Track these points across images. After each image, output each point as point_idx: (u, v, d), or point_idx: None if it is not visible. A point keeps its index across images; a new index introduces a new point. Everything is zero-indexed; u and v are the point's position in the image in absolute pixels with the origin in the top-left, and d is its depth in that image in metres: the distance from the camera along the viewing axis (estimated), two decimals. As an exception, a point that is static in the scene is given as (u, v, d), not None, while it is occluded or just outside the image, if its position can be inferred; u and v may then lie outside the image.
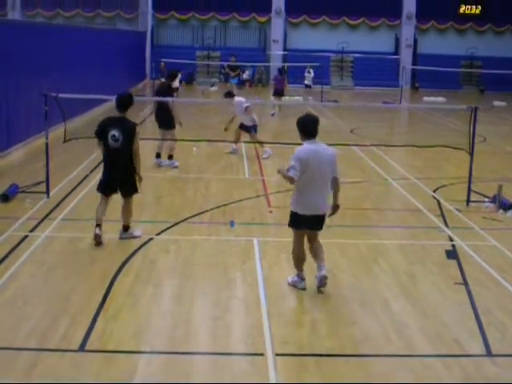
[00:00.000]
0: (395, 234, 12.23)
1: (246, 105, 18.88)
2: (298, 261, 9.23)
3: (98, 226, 10.74)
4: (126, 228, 11.13)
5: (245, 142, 19.32)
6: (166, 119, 16.70)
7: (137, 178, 10.82)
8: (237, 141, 18.91)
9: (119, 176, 10.83)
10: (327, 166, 8.81)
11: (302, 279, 9.22)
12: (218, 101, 29.80)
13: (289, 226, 9.21)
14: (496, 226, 12.72)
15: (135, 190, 11.06)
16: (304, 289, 9.14)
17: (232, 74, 44.50)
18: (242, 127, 18.97)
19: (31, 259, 10.02)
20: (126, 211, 11.09)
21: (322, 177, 8.80)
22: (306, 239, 9.25)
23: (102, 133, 10.71)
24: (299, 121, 8.95)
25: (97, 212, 10.89)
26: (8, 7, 46.94)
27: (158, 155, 17.02)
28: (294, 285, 9.22)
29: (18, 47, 18.75)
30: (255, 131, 18.93)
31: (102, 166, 11.16)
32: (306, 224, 9.03)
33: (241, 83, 44.28)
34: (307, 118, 8.98)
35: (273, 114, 28.96)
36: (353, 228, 12.31)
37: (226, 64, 45.43)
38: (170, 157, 16.99)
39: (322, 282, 9.05)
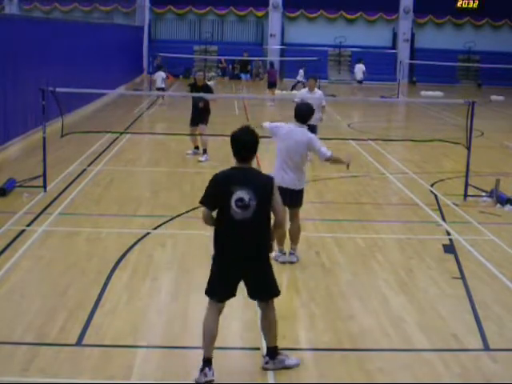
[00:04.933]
0: (393, 229, 12.23)
1: (324, 103, 17.56)
2: (279, 236, 9.81)
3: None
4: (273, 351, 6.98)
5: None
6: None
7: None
8: None
9: None
10: (298, 146, 9.69)
11: (282, 253, 10.08)
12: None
13: None
14: (493, 220, 12.72)
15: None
16: (283, 262, 9.93)
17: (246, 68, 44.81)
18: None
19: (28, 254, 10.01)
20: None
21: (292, 153, 9.70)
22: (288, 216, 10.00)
23: None
24: (298, 106, 10.11)
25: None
26: (5, 1, 46.84)
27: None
28: (276, 259, 9.82)
29: (15, 41, 18.70)
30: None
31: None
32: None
33: (251, 78, 44.64)
34: (305, 106, 10.09)
35: (271, 105, 31.07)
36: (350, 222, 12.30)
37: (236, 59, 45.62)
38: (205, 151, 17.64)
39: (285, 260, 10.06)
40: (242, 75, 45.59)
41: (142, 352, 7.16)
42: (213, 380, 6.56)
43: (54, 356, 6.94)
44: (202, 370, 6.60)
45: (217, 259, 6.67)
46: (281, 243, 10.05)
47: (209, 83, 25.15)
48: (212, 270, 6.71)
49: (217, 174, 6.63)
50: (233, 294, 6.76)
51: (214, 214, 6.64)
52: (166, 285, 9.06)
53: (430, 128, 24.73)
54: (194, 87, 17.64)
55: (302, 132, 9.84)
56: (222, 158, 17.76)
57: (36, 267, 9.57)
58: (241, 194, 6.40)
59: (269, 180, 6.65)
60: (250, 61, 45.77)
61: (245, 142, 6.52)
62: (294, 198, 9.89)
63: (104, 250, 10.31)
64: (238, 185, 6.43)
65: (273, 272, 6.82)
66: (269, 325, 6.89)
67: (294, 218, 10.07)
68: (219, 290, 6.69)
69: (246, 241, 6.53)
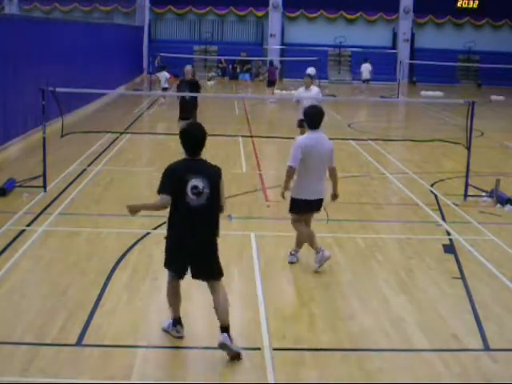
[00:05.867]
0: (393, 229, 12.23)
1: (321, 100, 18.00)
2: (311, 239, 9.73)
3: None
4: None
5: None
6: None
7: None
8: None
9: None
10: (326, 154, 9.47)
11: (321, 251, 9.64)
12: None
13: (289, 211, 9.78)
14: (493, 220, 12.72)
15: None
16: (329, 257, 9.62)
17: (245, 68, 44.62)
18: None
19: (28, 253, 10.01)
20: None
21: (321, 163, 9.46)
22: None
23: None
24: (306, 112, 9.68)
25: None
26: (5, 1, 46.83)
27: None
28: (320, 264, 9.58)
29: (15, 41, 18.70)
30: None
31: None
32: (306, 208, 9.66)
33: (251, 78, 44.53)
34: (313, 109, 9.73)
35: (272, 102, 31.36)
36: (351, 222, 12.29)
37: (236, 59, 45.57)
38: None
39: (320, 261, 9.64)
40: (241, 76, 45.47)
41: (142, 352, 7.15)
42: (184, 336, 7.43)
43: (54, 356, 6.94)
44: (174, 326, 7.46)
45: (170, 241, 7.33)
46: (315, 245, 9.72)
47: (208, 83, 25.48)
48: (166, 249, 7.39)
49: (171, 164, 7.23)
50: (185, 271, 7.37)
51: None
52: (166, 284, 9.04)
53: (430, 128, 24.73)
54: (183, 82, 18.05)
55: (327, 139, 9.63)
56: (222, 159, 17.78)
57: (36, 267, 9.57)
58: (195, 182, 7.01)
59: (218, 170, 7.30)
60: (249, 61, 45.72)
61: (196, 137, 7.13)
62: (321, 204, 9.81)
63: (104, 249, 10.31)
64: (192, 173, 7.02)
65: (218, 255, 7.41)
66: (220, 303, 7.21)
67: (310, 222, 9.97)
68: (174, 266, 7.40)
69: (200, 225, 7.14)
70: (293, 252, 10.06)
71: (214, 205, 7.20)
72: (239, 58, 45.29)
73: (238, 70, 46.69)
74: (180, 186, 7.01)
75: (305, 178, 9.45)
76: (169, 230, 7.31)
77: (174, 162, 7.26)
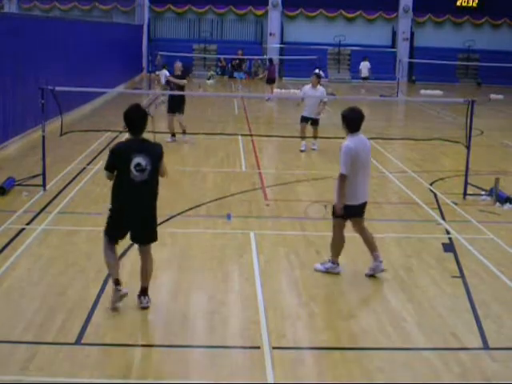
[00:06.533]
0: (392, 228, 12.23)
1: (326, 99, 18.70)
2: (340, 248, 9.61)
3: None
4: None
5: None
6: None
7: None
8: (304, 136, 18.56)
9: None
10: (369, 154, 9.53)
11: (338, 264, 9.59)
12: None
13: (333, 215, 9.51)
14: (493, 219, 12.72)
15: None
16: (339, 273, 9.52)
17: (241, 66, 44.59)
18: (308, 120, 18.78)
19: (28, 252, 10.01)
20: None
21: (367, 164, 9.44)
22: (355, 228, 9.66)
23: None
24: (347, 116, 9.36)
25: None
26: (4, 0, 46.81)
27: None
28: (328, 271, 9.54)
29: (15, 40, 18.67)
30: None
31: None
32: (351, 213, 9.37)
33: (248, 76, 44.49)
34: (354, 113, 9.35)
35: (268, 99, 31.35)
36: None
37: (231, 57, 45.53)
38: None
39: (376, 271, 9.51)
40: (236, 74, 45.40)
41: (141, 351, 7.15)
42: (126, 293, 8.08)
43: (54, 355, 6.93)
44: (115, 288, 8.00)
45: (114, 211, 8.08)
46: (338, 255, 9.60)
47: (208, 82, 25.12)
48: (109, 218, 8.20)
49: (118, 144, 8.11)
50: (123, 238, 8.30)
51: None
52: (165, 284, 9.06)
53: (430, 127, 24.71)
54: (173, 76, 19.75)
55: (365, 139, 9.51)
56: (222, 157, 17.78)
57: (35, 266, 9.56)
58: (138, 159, 7.75)
59: (159, 148, 8.07)
60: (245, 59, 45.66)
61: (136, 117, 7.86)
62: (365, 208, 9.58)
63: (103, 248, 10.28)
64: (136, 152, 7.77)
65: (156, 222, 8.32)
66: (147, 266, 8.23)
67: (364, 225, 9.65)
68: (114, 233, 8.19)
69: (143, 198, 7.97)
70: (380, 259, 9.58)
71: (155, 179, 7.99)
72: (235, 56, 45.21)
73: (233, 68, 46.63)
74: (124, 163, 7.76)
75: (354, 183, 9.19)
76: (113, 201, 8.08)
77: (120, 142, 8.14)
